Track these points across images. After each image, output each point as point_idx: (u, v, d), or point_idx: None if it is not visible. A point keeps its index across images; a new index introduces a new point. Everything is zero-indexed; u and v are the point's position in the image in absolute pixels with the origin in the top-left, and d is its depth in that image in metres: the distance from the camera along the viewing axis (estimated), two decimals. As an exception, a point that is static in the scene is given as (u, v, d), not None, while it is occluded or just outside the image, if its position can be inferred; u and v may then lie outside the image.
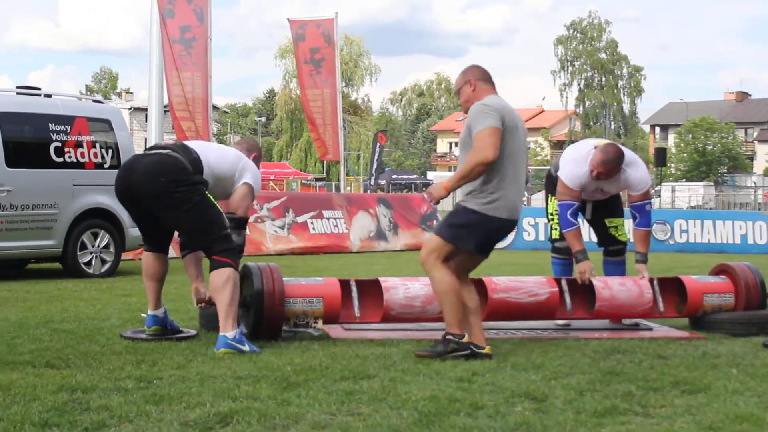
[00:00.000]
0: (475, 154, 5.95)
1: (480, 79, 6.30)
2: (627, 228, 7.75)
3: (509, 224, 6.17)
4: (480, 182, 6.02)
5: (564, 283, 7.31)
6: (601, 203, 7.74)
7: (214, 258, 6.29)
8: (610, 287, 7.24)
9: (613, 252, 7.80)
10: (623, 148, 7.42)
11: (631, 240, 7.64)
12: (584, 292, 7.32)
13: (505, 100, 6.25)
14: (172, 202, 6.20)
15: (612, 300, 7.20)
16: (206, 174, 6.38)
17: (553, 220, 7.78)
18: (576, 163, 7.37)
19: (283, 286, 6.55)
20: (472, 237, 6.06)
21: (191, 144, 6.60)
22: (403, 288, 6.87)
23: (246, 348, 6.08)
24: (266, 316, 6.50)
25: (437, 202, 6.20)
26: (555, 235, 7.80)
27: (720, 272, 7.69)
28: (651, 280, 7.41)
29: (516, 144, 6.13)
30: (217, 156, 6.56)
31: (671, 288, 7.55)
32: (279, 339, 6.58)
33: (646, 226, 7.53)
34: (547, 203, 7.95)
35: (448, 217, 6.28)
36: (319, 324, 6.75)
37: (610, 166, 7.19)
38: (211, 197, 6.37)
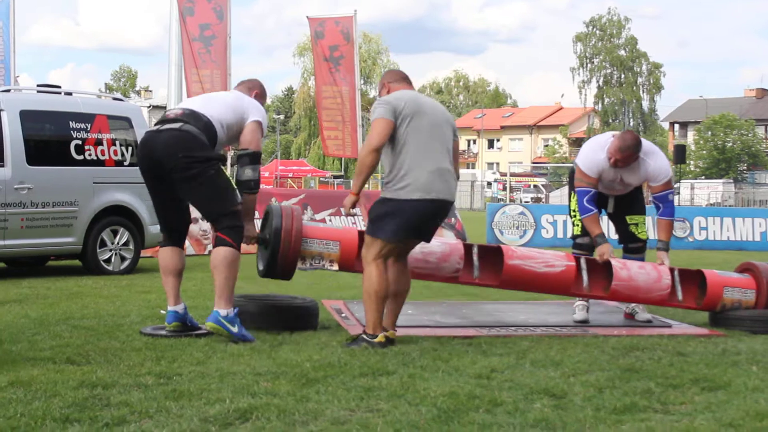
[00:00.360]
0: (363, 145, 6.27)
1: (393, 80, 6.62)
2: (648, 225, 7.76)
3: (429, 204, 6.20)
4: (388, 171, 6.25)
5: (583, 260, 7.35)
6: (622, 199, 7.74)
7: (218, 235, 6.46)
8: (628, 268, 7.29)
9: (633, 249, 7.83)
10: (642, 138, 7.49)
11: (652, 237, 7.63)
12: (602, 271, 7.35)
13: (414, 92, 6.53)
14: (188, 175, 6.37)
15: (629, 281, 7.22)
16: (219, 131, 6.59)
17: (575, 216, 7.77)
18: (593, 151, 7.52)
19: (301, 226, 6.71)
20: (389, 225, 6.17)
21: (195, 106, 6.73)
22: (419, 246, 6.88)
23: (235, 329, 6.27)
24: (282, 254, 6.66)
25: (353, 207, 6.36)
26: (576, 231, 7.82)
27: (744, 270, 7.67)
28: (672, 270, 7.40)
29: (419, 126, 6.24)
30: (220, 106, 6.72)
31: (692, 279, 7.53)
32: (292, 276, 6.90)
33: (669, 216, 7.59)
34: (570, 200, 7.94)
35: (370, 212, 6.44)
36: (335, 266, 6.86)
37: (627, 153, 7.27)
38: (226, 173, 6.60)
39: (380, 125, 6.18)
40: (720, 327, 7.31)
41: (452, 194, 6.35)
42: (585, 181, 7.50)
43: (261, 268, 6.91)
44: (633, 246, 7.82)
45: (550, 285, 7.27)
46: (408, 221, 6.18)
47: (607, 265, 7.28)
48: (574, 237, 7.91)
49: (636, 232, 7.78)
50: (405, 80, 6.63)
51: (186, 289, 9.54)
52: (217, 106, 6.72)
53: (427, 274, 7.02)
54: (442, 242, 7.05)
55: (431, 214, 6.30)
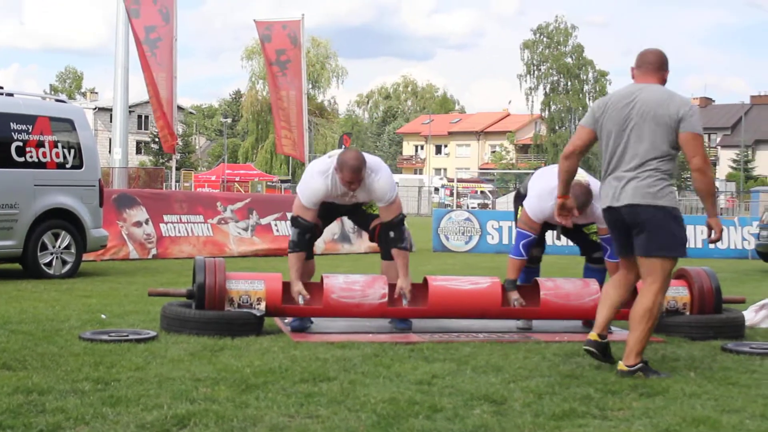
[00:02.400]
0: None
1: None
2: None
3: None
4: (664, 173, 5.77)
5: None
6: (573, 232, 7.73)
7: None
8: (552, 280, 7.45)
9: (597, 259, 7.72)
10: (591, 182, 7.30)
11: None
12: (529, 288, 7.48)
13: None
14: None
15: (557, 288, 7.32)
16: None
17: None
18: (542, 199, 7.29)
19: (224, 278, 6.87)
20: (683, 237, 5.85)
21: None
22: (343, 276, 7.15)
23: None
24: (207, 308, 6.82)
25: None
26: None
27: (677, 277, 7.74)
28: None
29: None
30: None
31: None
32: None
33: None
34: (515, 208, 7.86)
35: (670, 227, 5.73)
36: (262, 305, 6.92)
37: (582, 209, 7.10)
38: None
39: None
40: (660, 333, 7.37)
41: None
42: (528, 226, 7.39)
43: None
44: (596, 256, 7.70)
45: (480, 303, 7.30)
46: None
47: (533, 283, 7.44)
48: None
49: (598, 240, 7.64)
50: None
51: (128, 293, 9.47)
52: None
53: (355, 304, 7.07)
54: (363, 274, 7.31)
55: None
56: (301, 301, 7.00)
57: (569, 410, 4.70)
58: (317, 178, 7.14)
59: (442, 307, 7.29)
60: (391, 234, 7.31)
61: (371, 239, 7.56)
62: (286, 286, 7.10)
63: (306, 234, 7.20)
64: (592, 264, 7.81)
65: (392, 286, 7.23)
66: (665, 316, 7.42)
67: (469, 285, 7.35)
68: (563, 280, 7.47)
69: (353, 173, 6.92)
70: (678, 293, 7.48)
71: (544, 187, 7.34)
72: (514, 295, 7.32)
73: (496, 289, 7.31)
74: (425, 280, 7.32)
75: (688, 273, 7.60)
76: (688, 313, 7.46)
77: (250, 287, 6.97)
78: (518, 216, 7.72)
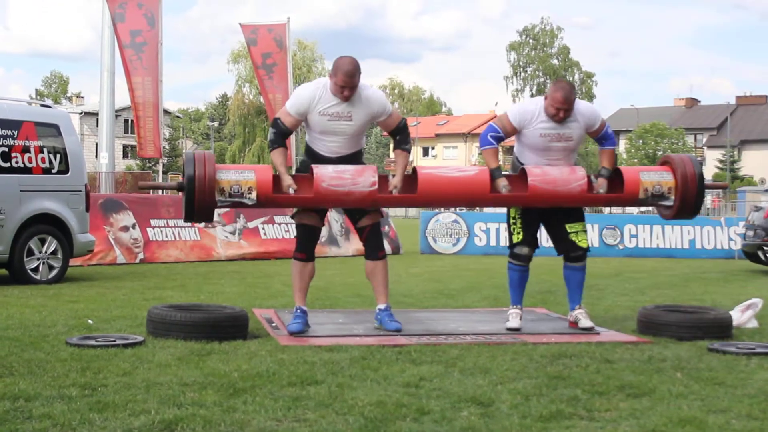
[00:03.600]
0: None
1: None
2: (588, 233, 7.77)
3: None
4: None
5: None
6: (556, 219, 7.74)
7: None
8: (539, 166, 7.47)
9: (574, 258, 7.74)
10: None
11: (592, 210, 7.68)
12: (517, 177, 7.53)
13: None
14: None
15: (544, 174, 7.36)
16: None
17: (515, 224, 7.73)
18: (526, 103, 7.64)
19: (213, 170, 6.85)
20: None
21: None
22: (333, 166, 7.07)
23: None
24: (198, 198, 6.83)
25: None
26: (516, 238, 7.70)
27: (662, 163, 7.84)
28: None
29: None
30: None
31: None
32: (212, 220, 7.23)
33: (612, 145, 7.72)
34: (508, 208, 7.86)
35: None
36: (253, 195, 6.92)
37: (572, 98, 7.34)
38: None
39: None
40: (647, 334, 7.39)
41: None
42: (501, 124, 7.54)
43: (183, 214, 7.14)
44: (574, 255, 7.73)
45: (467, 189, 7.38)
46: None
47: (521, 171, 7.53)
48: (512, 245, 7.77)
49: (576, 240, 7.68)
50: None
51: (115, 298, 9.45)
52: None
53: (345, 192, 7.01)
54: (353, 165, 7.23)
55: None
56: (291, 191, 6.98)
57: (556, 411, 4.71)
58: (307, 86, 7.23)
59: (431, 194, 7.34)
60: (397, 137, 7.35)
61: (360, 238, 7.56)
62: (277, 178, 7.05)
63: (282, 135, 7.16)
64: (570, 264, 7.78)
65: (383, 179, 7.24)
66: (652, 199, 7.52)
67: (458, 173, 7.47)
68: (550, 168, 7.44)
69: (347, 77, 6.89)
70: (662, 178, 7.54)
71: (529, 100, 7.80)
72: (502, 182, 7.35)
73: (484, 176, 7.35)
74: (414, 170, 7.31)
75: (671, 159, 7.68)
76: (672, 197, 7.52)
77: (240, 177, 6.93)
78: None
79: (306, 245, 7.35)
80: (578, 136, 7.58)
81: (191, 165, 6.83)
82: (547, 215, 7.75)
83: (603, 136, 7.70)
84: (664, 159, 7.83)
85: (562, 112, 7.35)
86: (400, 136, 7.34)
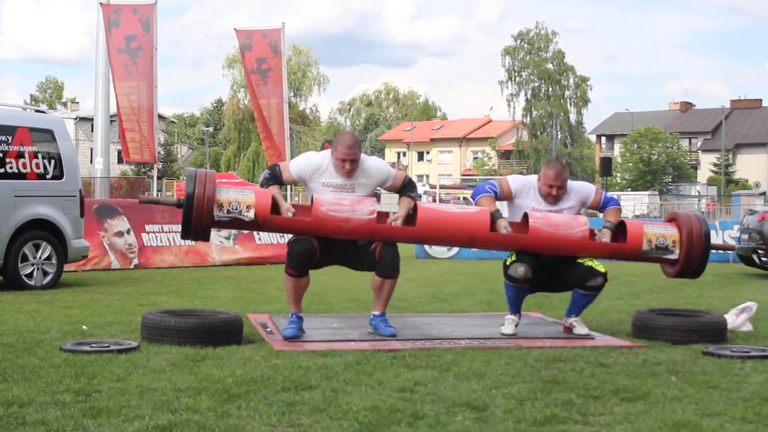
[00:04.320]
0: None
1: None
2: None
3: None
4: None
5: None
6: (561, 260, 7.58)
7: None
8: (541, 210, 7.48)
9: (593, 287, 7.51)
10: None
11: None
12: (519, 223, 7.55)
13: None
14: None
15: (546, 219, 7.38)
16: None
17: (510, 256, 7.57)
18: (529, 177, 7.72)
19: (213, 189, 6.93)
20: None
21: None
22: (333, 193, 7.13)
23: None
24: (195, 216, 6.90)
25: None
26: (508, 260, 7.56)
27: (669, 220, 7.86)
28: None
29: None
30: None
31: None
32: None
33: (615, 206, 7.72)
34: None
35: None
36: (251, 213, 6.97)
37: (563, 176, 7.41)
38: None
39: None
40: (642, 338, 7.39)
41: None
42: (500, 184, 7.60)
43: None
44: (593, 283, 7.47)
45: (467, 226, 7.38)
46: None
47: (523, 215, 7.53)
48: (505, 267, 7.57)
49: (593, 265, 7.46)
50: None
51: (110, 303, 9.44)
52: None
53: (343, 218, 7.02)
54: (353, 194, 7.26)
55: None
56: (289, 214, 7.04)
57: (551, 416, 4.71)
58: (315, 154, 7.37)
59: (430, 229, 7.32)
60: (405, 190, 7.41)
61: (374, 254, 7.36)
62: (275, 201, 7.11)
63: (276, 181, 7.24)
64: (584, 291, 7.55)
65: (383, 213, 7.29)
66: (656, 252, 7.51)
67: (458, 209, 7.62)
68: (552, 213, 7.46)
69: (348, 148, 7.00)
70: (667, 231, 7.58)
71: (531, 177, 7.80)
72: (503, 222, 7.35)
73: (485, 215, 7.34)
74: (415, 206, 7.32)
75: (678, 216, 7.74)
76: (677, 251, 7.54)
77: (240, 196, 7.00)
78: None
79: (298, 262, 7.19)
80: (572, 206, 7.62)
81: (192, 183, 6.88)
82: (550, 270, 7.61)
83: (603, 205, 7.70)
84: (670, 216, 7.85)
85: (555, 189, 7.44)
86: (407, 188, 7.42)
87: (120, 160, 79.28)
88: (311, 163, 7.19)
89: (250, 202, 6.96)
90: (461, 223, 7.38)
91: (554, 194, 7.45)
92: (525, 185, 7.57)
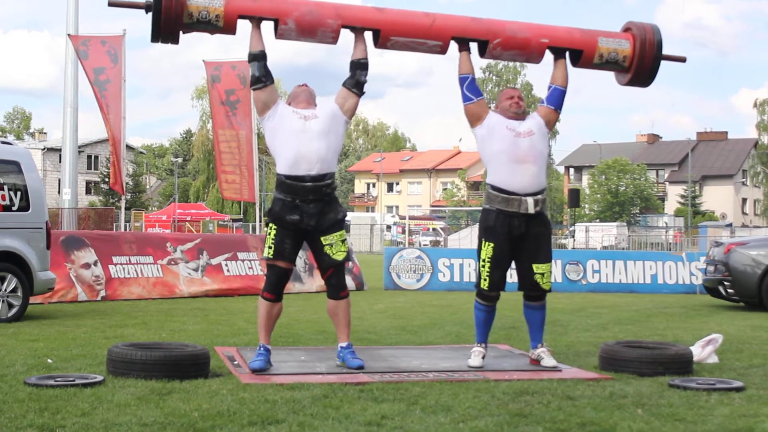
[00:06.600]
0: None
1: None
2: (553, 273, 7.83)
3: None
4: None
5: None
6: (531, 243, 7.68)
7: None
8: (514, 130, 7.65)
9: (534, 297, 7.74)
10: None
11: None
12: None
13: None
14: None
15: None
16: None
17: (483, 267, 7.64)
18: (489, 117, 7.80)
19: None
20: None
21: None
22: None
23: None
24: (165, 14, 6.89)
25: None
26: (483, 285, 7.63)
27: (625, 30, 7.98)
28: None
29: None
30: None
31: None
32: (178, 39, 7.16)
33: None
34: (479, 247, 7.73)
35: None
36: (220, 22, 7.04)
37: (517, 90, 7.90)
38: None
39: None
40: (609, 370, 7.41)
41: None
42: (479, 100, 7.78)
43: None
44: (534, 294, 7.72)
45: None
46: None
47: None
48: (479, 287, 7.70)
49: (540, 282, 7.64)
50: None
51: (75, 336, 9.36)
52: None
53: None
54: None
55: None
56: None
57: (518, 449, 4.71)
58: None
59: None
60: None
61: (322, 276, 7.54)
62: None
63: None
64: (529, 302, 7.78)
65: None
66: (605, 66, 7.85)
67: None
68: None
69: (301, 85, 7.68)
70: (620, 45, 7.73)
71: None
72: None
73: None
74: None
75: (633, 23, 7.86)
76: (627, 65, 7.78)
77: (209, 3, 7.00)
78: (481, 246, 7.75)
79: (276, 287, 7.31)
80: (539, 128, 7.76)
81: None
82: (517, 250, 7.72)
83: (549, 97, 7.97)
84: (626, 25, 7.98)
85: (515, 98, 7.75)
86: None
87: (88, 191, 79.04)
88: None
89: (219, 11, 7.01)
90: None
91: (517, 102, 7.72)
92: (493, 123, 7.72)
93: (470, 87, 7.70)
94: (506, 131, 7.60)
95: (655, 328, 11.47)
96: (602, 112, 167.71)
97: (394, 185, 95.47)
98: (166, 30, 7.01)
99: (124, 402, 5.77)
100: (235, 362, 7.54)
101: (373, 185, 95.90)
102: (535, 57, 7.83)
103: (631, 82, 7.92)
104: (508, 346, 9.00)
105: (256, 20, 7.25)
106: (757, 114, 75.42)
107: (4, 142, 12.57)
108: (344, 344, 7.40)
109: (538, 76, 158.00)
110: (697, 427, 5.35)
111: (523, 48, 7.68)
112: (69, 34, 20.98)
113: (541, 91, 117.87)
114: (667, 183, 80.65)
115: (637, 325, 11.84)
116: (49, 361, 7.57)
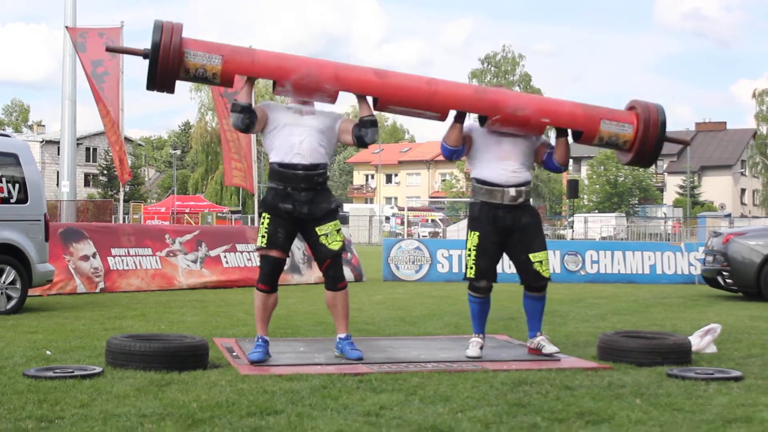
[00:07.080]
0: None
1: None
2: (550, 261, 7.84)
3: None
4: None
5: None
6: (523, 234, 7.72)
7: None
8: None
9: (537, 288, 7.75)
10: None
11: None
12: None
13: None
14: None
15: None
16: None
17: (469, 256, 7.71)
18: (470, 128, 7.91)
19: (180, 40, 6.89)
20: None
21: None
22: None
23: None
24: (161, 66, 6.88)
25: None
26: (469, 273, 7.71)
27: (630, 108, 7.90)
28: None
29: None
30: None
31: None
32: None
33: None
34: (467, 237, 7.81)
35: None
36: (217, 79, 7.08)
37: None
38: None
39: None
40: (608, 360, 7.42)
41: None
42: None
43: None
44: (536, 285, 7.73)
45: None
46: None
47: None
48: (467, 278, 7.78)
49: (541, 270, 7.67)
50: None
51: (74, 328, 9.37)
52: None
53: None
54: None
55: None
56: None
57: (516, 439, 4.71)
58: None
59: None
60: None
61: (320, 268, 7.55)
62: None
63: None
64: (531, 293, 7.80)
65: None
66: (605, 146, 7.86)
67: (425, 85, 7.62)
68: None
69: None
70: (622, 130, 7.67)
71: None
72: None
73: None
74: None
75: (637, 102, 7.78)
76: (627, 148, 7.74)
77: (206, 62, 7.01)
78: (468, 236, 7.82)
79: (270, 277, 7.35)
80: (527, 137, 7.85)
81: (158, 33, 6.87)
82: (509, 244, 7.75)
83: (548, 164, 8.14)
84: (631, 104, 7.91)
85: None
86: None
87: (87, 183, 79.03)
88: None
89: (217, 70, 7.01)
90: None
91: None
92: (477, 134, 7.85)
93: (456, 155, 7.86)
94: (490, 134, 7.72)
95: (653, 318, 11.48)
96: (601, 102, 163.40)
97: (393, 176, 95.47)
98: (162, 81, 7.02)
99: (123, 393, 5.78)
100: (234, 353, 7.55)
101: (372, 177, 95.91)
102: (535, 134, 7.82)
103: (633, 162, 7.87)
104: (506, 337, 9.01)
105: (252, 78, 7.27)
106: (756, 104, 75.63)
107: (2, 135, 12.55)
108: (343, 335, 7.41)
109: (537, 67, 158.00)
110: (696, 416, 5.36)
111: (522, 126, 7.63)
112: (67, 27, 20.98)
113: (539, 83, 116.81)
114: (666, 174, 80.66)
115: (635, 315, 11.85)
116: (48, 352, 7.57)
